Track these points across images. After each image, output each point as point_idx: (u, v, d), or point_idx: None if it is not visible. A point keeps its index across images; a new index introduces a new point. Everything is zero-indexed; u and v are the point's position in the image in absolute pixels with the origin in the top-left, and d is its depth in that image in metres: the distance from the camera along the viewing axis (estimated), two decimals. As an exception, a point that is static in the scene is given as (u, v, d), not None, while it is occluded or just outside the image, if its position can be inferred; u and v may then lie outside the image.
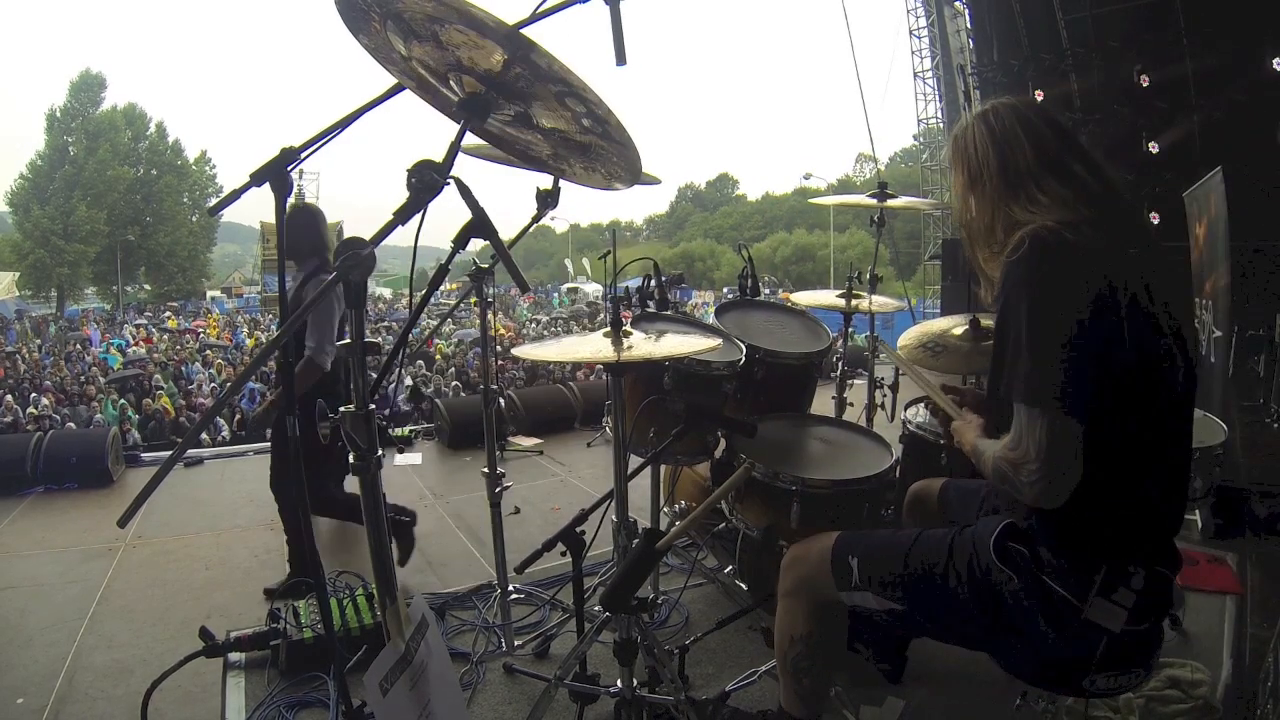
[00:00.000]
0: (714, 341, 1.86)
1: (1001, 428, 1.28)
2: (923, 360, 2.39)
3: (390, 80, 1.21)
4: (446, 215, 1.26)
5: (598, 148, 1.32)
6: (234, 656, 2.34)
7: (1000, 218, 1.32)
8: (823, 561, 1.50)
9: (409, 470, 4.80)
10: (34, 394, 11.80)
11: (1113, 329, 1.14)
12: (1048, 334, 1.15)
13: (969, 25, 11.30)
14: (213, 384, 12.91)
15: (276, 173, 1.08)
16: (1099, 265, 1.17)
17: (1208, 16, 7.21)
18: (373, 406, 1.11)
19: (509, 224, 1.87)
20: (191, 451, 5.16)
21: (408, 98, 1.22)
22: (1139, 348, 1.17)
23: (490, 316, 2.39)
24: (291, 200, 1.11)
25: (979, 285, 1.44)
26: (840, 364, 3.07)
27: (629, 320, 2.04)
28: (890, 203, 2.96)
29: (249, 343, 17.62)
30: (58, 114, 31.00)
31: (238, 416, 9.78)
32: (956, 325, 2.45)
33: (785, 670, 1.61)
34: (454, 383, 11.74)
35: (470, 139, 1.19)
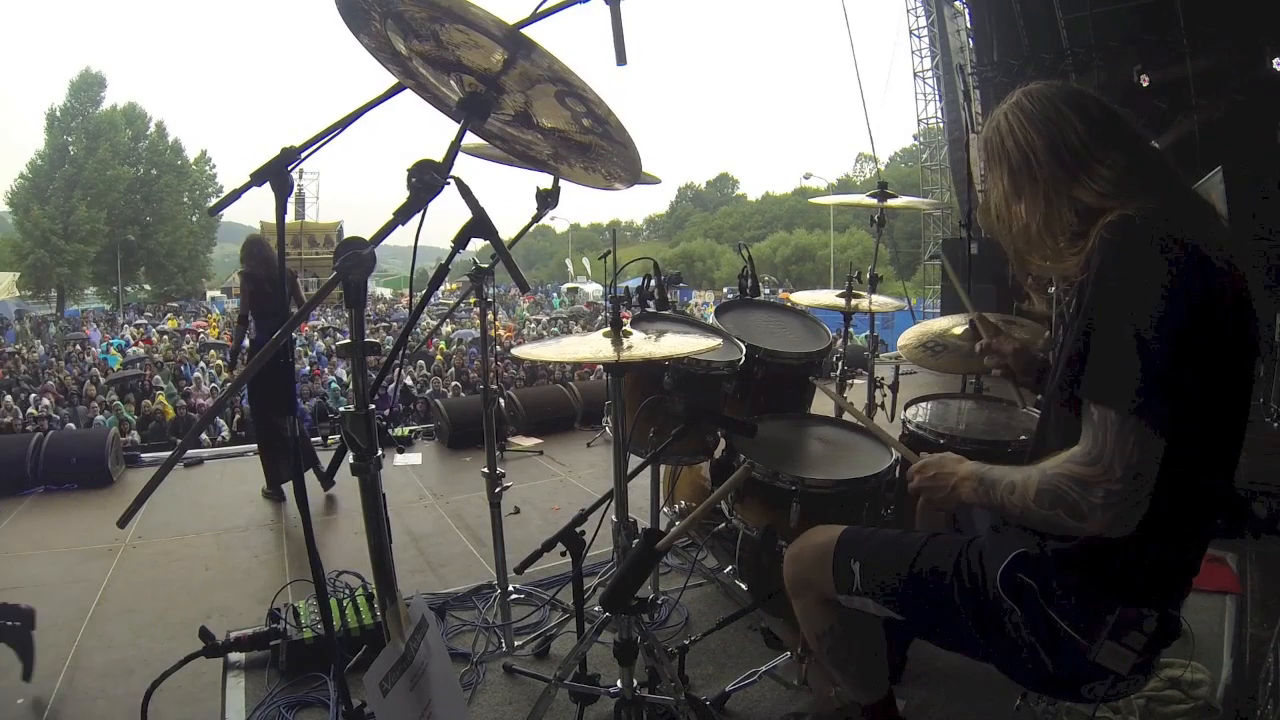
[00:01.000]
0: (714, 341, 1.86)
1: (1053, 436, 1.17)
2: (923, 360, 2.40)
3: (390, 80, 1.21)
4: (446, 215, 1.26)
5: (598, 148, 1.32)
6: (234, 656, 2.34)
7: (1061, 205, 1.17)
8: (822, 561, 1.44)
9: (409, 470, 4.80)
10: (34, 394, 11.80)
11: (1216, 342, 1.04)
12: (1156, 335, 1.00)
13: (969, 25, 11.30)
14: (212, 384, 12.91)
15: (277, 173, 1.08)
16: (1216, 265, 1.04)
17: (1208, 16, 7.23)
18: (372, 406, 1.11)
19: (509, 224, 1.87)
20: (191, 451, 5.15)
21: (408, 98, 1.22)
22: (1237, 364, 1.08)
23: (490, 316, 2.39)
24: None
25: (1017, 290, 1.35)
26: (840, 364, 3.07)
27: (629, 320, 2.04)
28: (890, 203, 2.96)
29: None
30: (58, 114, 30.97)
31: (237, 416, 9.78)
32: (956, 325, 2.45)
33: (828, 664, 1.56)
34: (454, 383, 11.75)
35: (470, 139, 1.19)
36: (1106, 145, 1.16)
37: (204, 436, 8.45)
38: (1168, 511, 1.06)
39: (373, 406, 1.10)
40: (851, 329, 3.25)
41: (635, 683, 1.81)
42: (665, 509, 2.57)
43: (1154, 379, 1.01)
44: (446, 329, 17.36)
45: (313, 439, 5.31)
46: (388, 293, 31.01)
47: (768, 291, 3.73)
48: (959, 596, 1.28)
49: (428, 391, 11.07)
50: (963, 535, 1.42)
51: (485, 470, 2.44)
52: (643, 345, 1.73)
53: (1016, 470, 1.17)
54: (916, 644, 2.06)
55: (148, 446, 8.12)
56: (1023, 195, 1.22)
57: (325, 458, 4.43)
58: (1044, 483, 1.10)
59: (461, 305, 12.76)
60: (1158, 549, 1.12)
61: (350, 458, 1.13)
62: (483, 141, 1.61)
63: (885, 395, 3.15)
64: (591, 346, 1.75)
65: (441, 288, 1.29)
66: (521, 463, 4.99)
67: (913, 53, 15.19)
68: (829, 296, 3.01)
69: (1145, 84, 7.68)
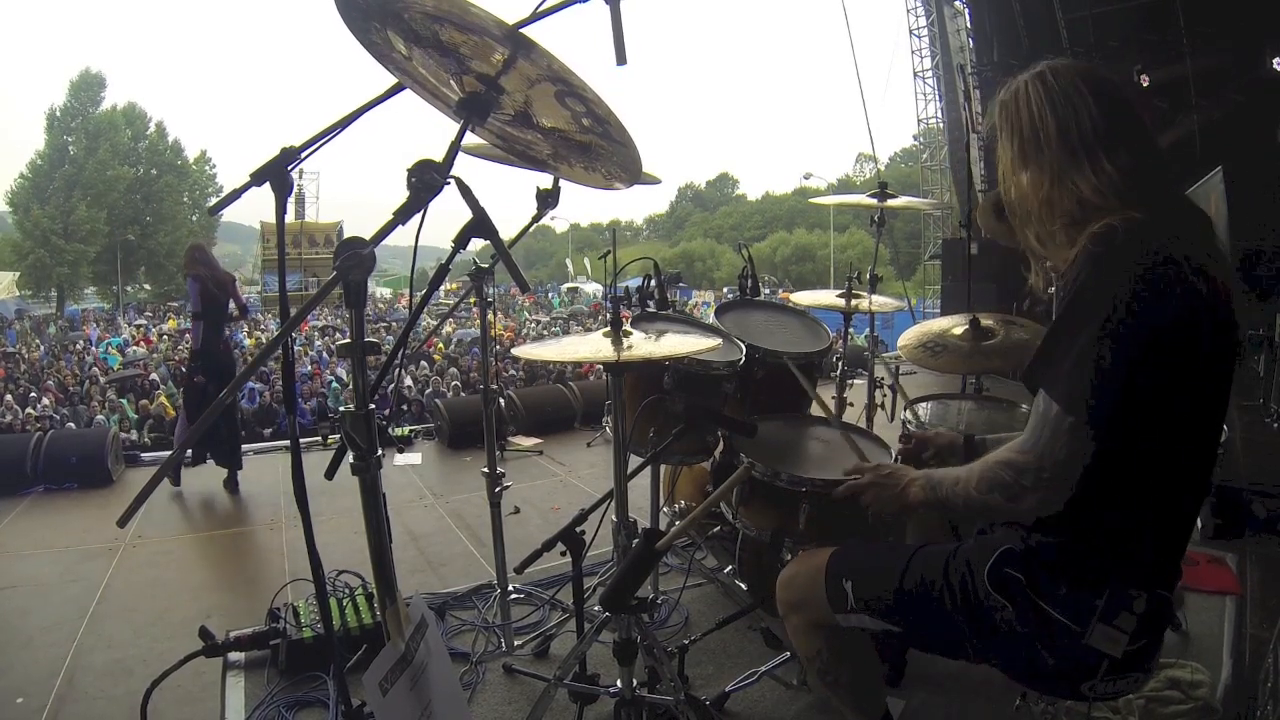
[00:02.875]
0: (714, 341, 1.86)
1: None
2: (923, 360, 2.39)
3: (390, 80, 1.21)
4: (446, 215, 1.26)
5: (598, 147, 1.32)
6: (234, 656, 2.35)
7: (1063, 192, 1.18)
8: (815, 584, 1.44)
9: (409, 470, 4.80)
10: (34, 394, 11.80)
11: (1188, 355, 1.08)
12: (1115, 347, 1.05)
13: (969, 25, 11.31)
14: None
15: (277, 172, 1.08)
16: (1192, 282, 1.07)
17: (1208, 16, 7.23)
18: (372, 406, 1.11)
19: (509, 224, 1.87)
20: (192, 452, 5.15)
21: (408, 97, 1.22)
22: (1213, 372, 1.12)
23: (490, 316, 2.39)
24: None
25: (1024, 270, 1.32)
26: (840, 364, 3.07)
27: (629, 320, 2.04)
28: (890, 203, 2.96)
29: (249, 343, 17.60)
30: (58, 114, 30.96)
31: (238, 416, 9.77)
32: (956, 325, 2.45)
33: (821, 686, 1.56)
34: (454, 383, 11.75)
35: (470, 139, 1.19)
36: (1115, 141, 1.17)
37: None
38: (1141, 502, 1.13)
39: (373, 406, 1.10)
40: (851, 329, 3.25)
41: (635, 682, 1.81)
42: (665, 509, 2.57)
43: (1104, 386, 1.06)
44: (447, 329, 17.37)
45: (313, 439, 5.31)
46: (387, 293, 31.00)
47: (768, 291, 3.73)
48: (950, 603, 1.29)
49: (428, 392, 11.07)
50: (955, 540, 1.43)
51: (485, 470, 2.44)
52: (643, 345, 1.73)
53: (962, 467, 1.25)
54: (916, 644, 2.07)
55: (150, 446, 8.12)
56: (1028, 166, 1.23)
57: (325, 457, 4.46)
58: (985, 470, 1.18)
59: (461, 305, 12.77)
60: (1140, 534, 1.16)
61: (350, 458, 1.13)
62: (483, 141, 1.61)
63: (885, 395, 3.15)
64: (591, 346, 1.75)
65: (442, 288, 1.29)
66: (521, 463, 4.99)
67: (913, 53, 15.20)
68: (829, 296, 3.01)
69: (1145, 84, 7.68)
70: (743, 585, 2.55)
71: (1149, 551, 1.18)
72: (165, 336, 19.06)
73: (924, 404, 2.49)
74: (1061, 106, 1.19)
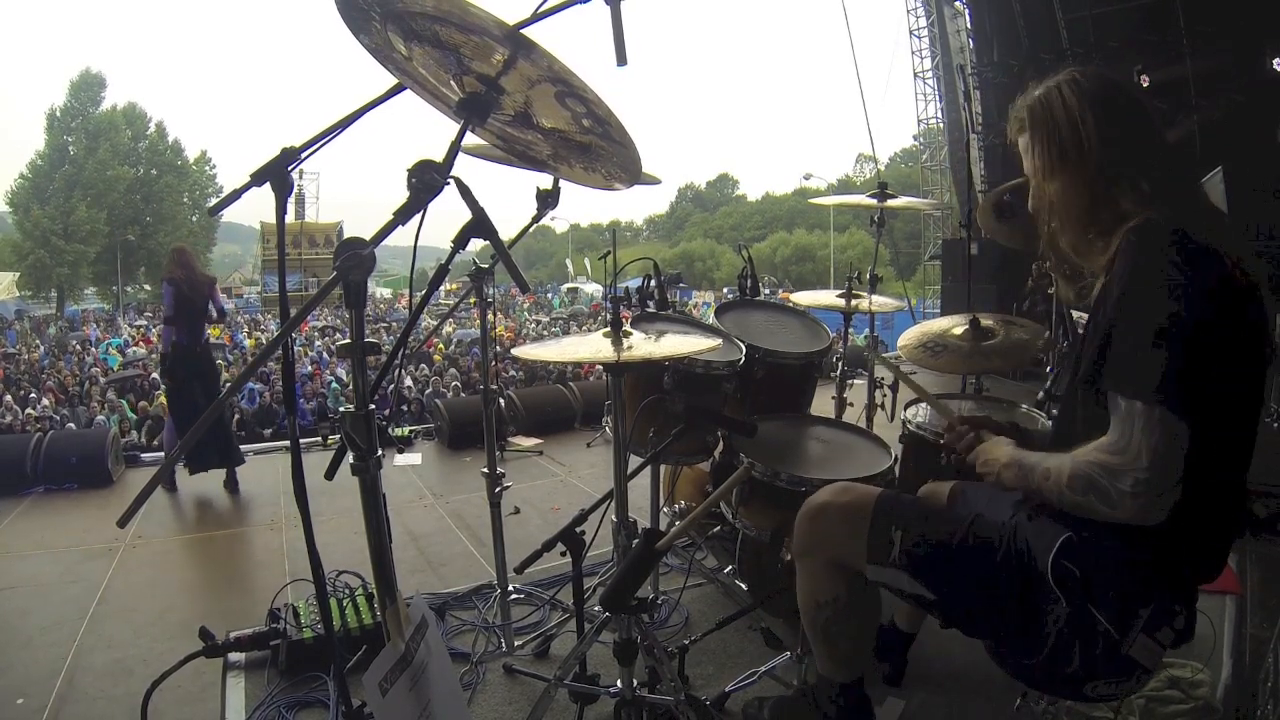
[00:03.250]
0: (714, 341, 1.86)
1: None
2: (923, 360, 2.40)
3: (390, 80, 1.21)
4: (446, 215, 1.26)
5: (598, 148, 1.32)
6: (234, 656, 2.34)
7: (1105, 200, 1.18)
8: (853, 524, 1.36)
9: (409, 470, 4.80)
10: (34, 394, 11.80)
11: (1237, 336, 1.09)
12: (1182, 331, 1.05)
13: (969, 25, 11.29)
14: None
15: (277, 173, 1.08)
16: (1233, 273, 1.09)
17: (1208, 16, 7.22)
18: (372, 406, 1.11)
19: (509, 224, 1.87)
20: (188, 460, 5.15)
21: (408, 98, 1.22)
22: (1254, 358, 1.12)
23: (490, 316, 2.39)
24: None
25: (1045, 280, 1.36)
26: (840, 364, 3.07)
27: (629, 320, 2.04)
28: (890, 203, 2.97)
29: (249, 343, 17.60)
30: (58, 114, 30.95)
31: (237, 416, 9.79)
32: (956, 325, 2.45)
33: (816, 635, 1.49)
34: (454, 383, 11.75)
35: (470, 139, 1.19)
36: (1151, 150, 1.19)
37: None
38: (1195, 503, 1.08)
39: (372, 406, 1.10)
40: (851, 329, 3.26)
41: (635, 683, 1.81)
42: (665, 509, 2.57)
43: (1177, 369, 1.04)
44: (447, 329, 17.36)
45: (313, 439, 5.32)
46: (387, 293, 30.98)
47: (767, 292, 3.73)
48: (1006, 580, 1.24)
49: (428, 392, 11.07)
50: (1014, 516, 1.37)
51: (485, 470, 2.44)
52: (643, 345, 1.73)
53: (1050, 456, 1.19)
54: (917, 645, 2.06)
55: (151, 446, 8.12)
56: (1066, 172, 1.22)
57: (325, 458, 4.47)
58: (1076, 469, 1.13)
59: (461, 305, 12.77)
60: (1188, 542, 1.13)
61: (350, 458, 1.13)
62: (483, 141, 1.61)
63: (885, 395, 3.15)
64: (591, 346, 1.75)
65: (442, 288, 1.29)
66: (521, 463, 4.99)
67: (913, 53, 15.19)
68: (829, 297, 3.02)
69: (1145, 84, 7.68)
70: (743, 585, 2.56)
71: (1199, 560, 1.16)
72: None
73: (924, 404, 2.49)
74: (1103, 115, 1.19)
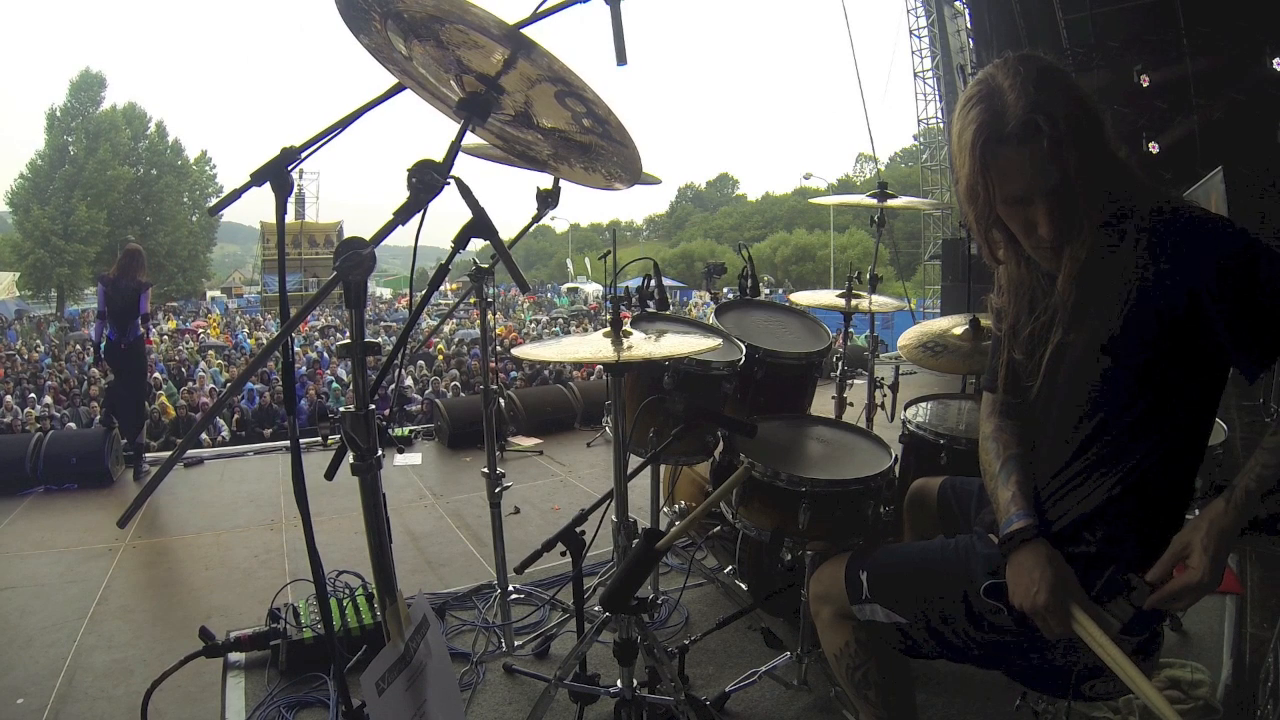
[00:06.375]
0: (714, 341, 1.86)
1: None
2: (923, 360, 2.39)
3: (390, 80, 1.21)
4: (446, 215, 1.26)
5: (598, 148, 1.32)
6: (234, 656, 2.34)
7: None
8: (836, 579, 1.48)
9: (409, 470, 4.80)
10: (34, 394, 11.80)
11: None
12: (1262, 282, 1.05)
13: (969, 25, 11.31)
14: (212, 384, 12.91)
15: (277, 172, 1.08)
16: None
17: (1208, 16, 7.22)
18: (372, 407, 1.11)
19: (509, 224, 1.87)
20: (191, 451, 5.16)
21: (408, 98, 1.22)
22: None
23: (490, 316, 2.39)
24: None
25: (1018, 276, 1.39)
26: (840, 364, 3.07)
27: (629, 320, 2.04)
28: (890, 203, 2.96)
29: (249, 343, 17.61)
30: (58, 114, 30.96)
31: (237, 416, 9.79)
32: (956, 325, 2.45)
33: (850, 690, 1.53)
34: (453, 383, 11.74)
35: (470, 139, 1.19)
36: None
37: (204, 436, 8.46)
38: (1170, 462, 1.16)
39: (373, 407, 1.10)
40: (851, 329, 3.25)
41: (635, 683, 1.81)
42: (665, 509, 2.57)
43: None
44: (448, 329, 17.36)
45: (313, 439, 5.32)
46: (387, 293, 30.99)
47: (768, 292, 3.73)
48: (951, 601, 1.31)
49: (427, 392, 11.07)
50: (960, 534, 1.44)
51: (485, 470, 2.44)
52: (643, 345, 1.73)
53: (1253, 459, 1.12)
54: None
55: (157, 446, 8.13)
56: (1078, 148, 1.15)
57: (325, 458, 4.48)
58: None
59: (461, 305, 12.77)
60: (1153, 508, 1.17)
61: (350, 458, 1.13)
62: (483, 141, 1.61)
63: (885, 395, 3.15)
64: (591, 346, 1.75)
65: (442, 288, 1.29)
66: (521, 463, 4.99)
67: (913, 53, 15.22)
68: (829, 297, 3.01)
69: (1145, 84, 7.68)
70: (743, 585, 2.56)
71: (1158, 530, 1.16)
72: (165, 336, 19.06)
73: (924, 404, 2.49)
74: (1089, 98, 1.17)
